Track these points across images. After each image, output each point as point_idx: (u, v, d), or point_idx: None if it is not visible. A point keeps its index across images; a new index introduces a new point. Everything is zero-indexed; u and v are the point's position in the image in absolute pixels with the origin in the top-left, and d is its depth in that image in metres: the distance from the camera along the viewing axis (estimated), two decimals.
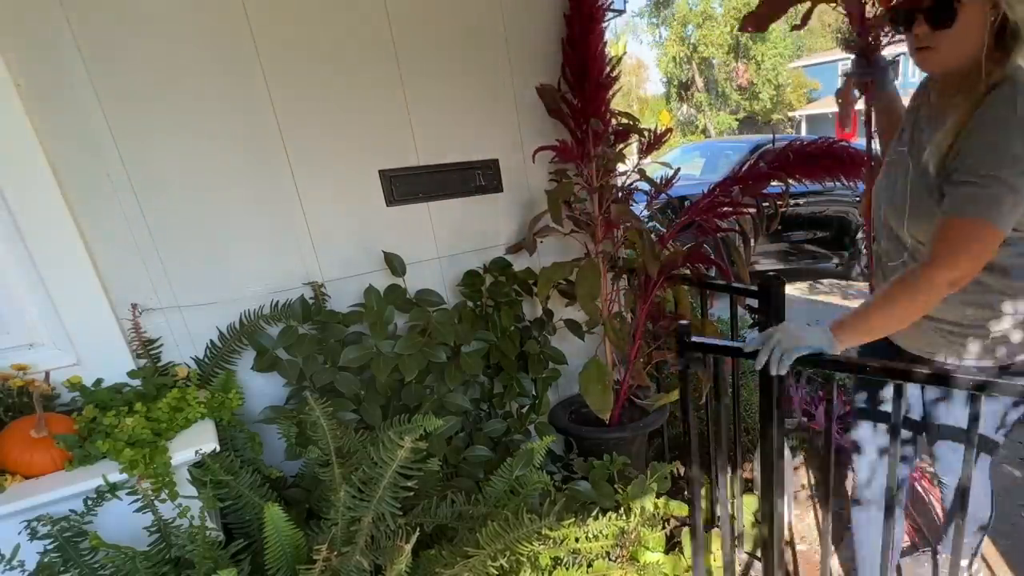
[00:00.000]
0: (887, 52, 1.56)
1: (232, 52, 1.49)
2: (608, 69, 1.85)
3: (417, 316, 1.72)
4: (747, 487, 1.93)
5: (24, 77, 1.31)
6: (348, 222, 1.75)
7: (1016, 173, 0.99)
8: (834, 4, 1.66)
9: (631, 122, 1.98)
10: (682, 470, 1.90)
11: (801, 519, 2.09)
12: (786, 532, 1.38)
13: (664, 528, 1.59)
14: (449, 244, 1.94)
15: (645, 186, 2.04)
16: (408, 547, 1.01)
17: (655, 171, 2.11)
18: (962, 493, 1.15)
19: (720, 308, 2.82)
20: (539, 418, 2.03)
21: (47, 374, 1.38)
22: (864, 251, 4.99)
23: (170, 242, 1.51)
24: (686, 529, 1.72)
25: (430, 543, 1.30)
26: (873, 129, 1.59)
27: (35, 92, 1.32)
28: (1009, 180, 0.99)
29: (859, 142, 1.89)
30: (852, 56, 1.60)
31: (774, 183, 1.92)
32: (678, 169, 2.13)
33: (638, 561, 1.56)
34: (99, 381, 1.44)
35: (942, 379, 1.08)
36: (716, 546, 1.73)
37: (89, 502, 1.17)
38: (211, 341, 1.60)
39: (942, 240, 1.06)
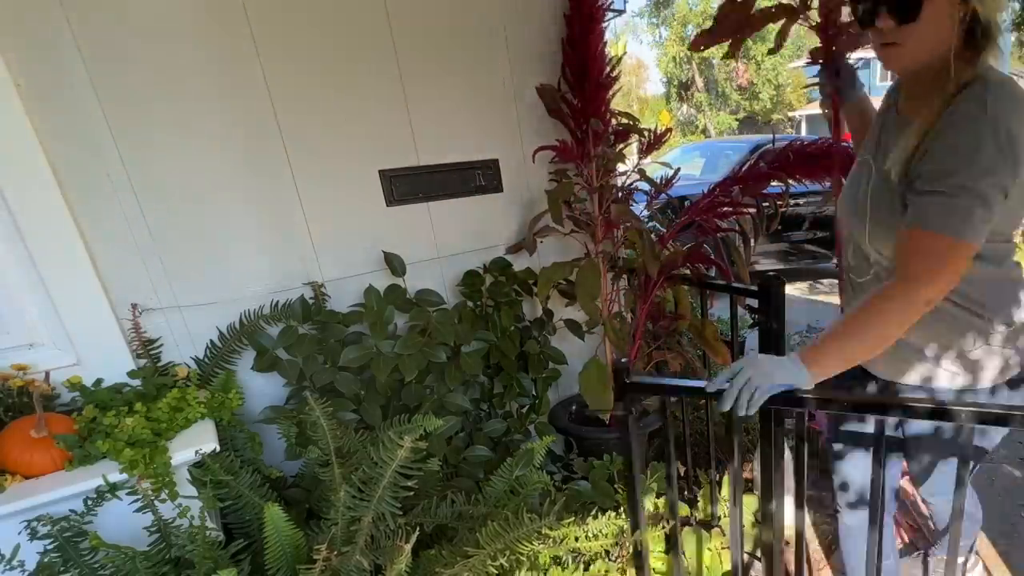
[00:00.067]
0: (857, 56, 1.52)
1: (232, 52, 1.49)
2: (608, 69, 1.85)
3: (417, 316, 1.72)
4: (747, 487, 1.93)
5: (24, 77, 1.31)
6: (348, 222, 1.75)
7: (988, 184, 0.93)
8: (798, 21, 1.63)
9: (631, 122, 1.98)
10: (682, 470, 1.90)
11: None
12: (786, 532, 1.37)
13: (664, 528, 1.59)
14: (449, 244, 1.94)
15: (645, 186, 2.04)
16: (408, 547, 1.01)
17: (655, 171, 2.11)
18: (956, 514, 1.05)
19: (720, 308, 2.82)
20: (539, 418, 2.03)
21: (47, 374, 1.38)
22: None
23: (170, 242, 1.51)
24: (687, 529, 1.72)
25: (430, 543, 1.30)
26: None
27: (35, 92, 1.32)
28: (979, 190, 0.93)
29: None
30: (820, 64, 1.57)
31: (774, 183, 1.93)
32: (678, 169, 2.13)
33: None
34: (99, 381, 1.45)
35: (931, 411, 0.97)
36: (715, 544, 1.73)
37: (89, 502, 1.17)
38: (211, 341, 1.60)
39: (915, 255, 0.98)
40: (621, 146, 1.98)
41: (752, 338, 1.92)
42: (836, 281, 2.05)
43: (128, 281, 1.49)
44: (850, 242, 1.24)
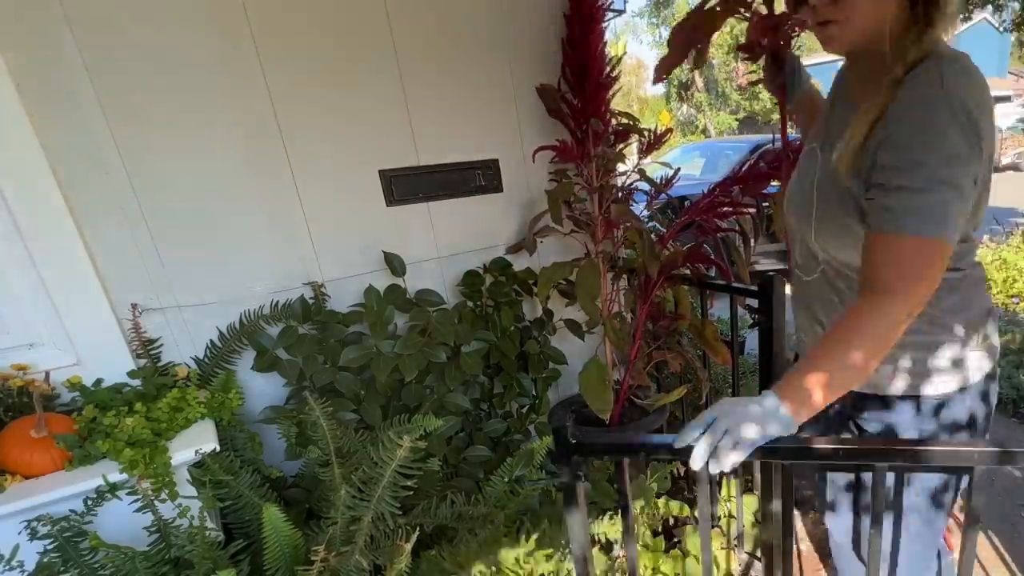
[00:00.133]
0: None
1: (232, 52, 1.49)
2: (608, 69, 1.85)
3: (417, 316, 1.72)
4: (747, 487, 1.93)
5: (24, 77, 1.31)
6: (348, 222, 1.75)
7: (960, 172, 0.83)
8: (739, 16, 1.57)
9: (631, 122, 1.98)
10: (682, 470, 1.90)
11: (802, 519, 2.10)
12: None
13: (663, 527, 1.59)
14: (449, 244, 1.94)
15: (645, 186, 2.04)
16: (408, 547, 1.01)
17: (655, 171, 2.11)
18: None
19: (720, 308, 2.82)
20: (539, 418, 2.03)
21: (47, 374, 1.38)
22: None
23: (170, 242, 1.51)
24: (687, 528, 1.72)
25: (430, 543, 1.30)
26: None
27: (35, 92, 1.32)
28: (953, 180, 0.83)
29: None
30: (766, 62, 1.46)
31: (774, 183, 1.92)
32: (678, 169, 2.13)
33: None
34: (99, 381, 1.45)
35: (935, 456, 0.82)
36: (715, 544, 1.73)
37: (89, 502, 1.17)
38: (211, 341, 1.60)
39: (889, 264, 0.87)
40: (621, 146, 1.98)
41: (752, 338, 1.91)
42: None
43: (128, 281, 1.49)
44: (796, 238, 1.13)
